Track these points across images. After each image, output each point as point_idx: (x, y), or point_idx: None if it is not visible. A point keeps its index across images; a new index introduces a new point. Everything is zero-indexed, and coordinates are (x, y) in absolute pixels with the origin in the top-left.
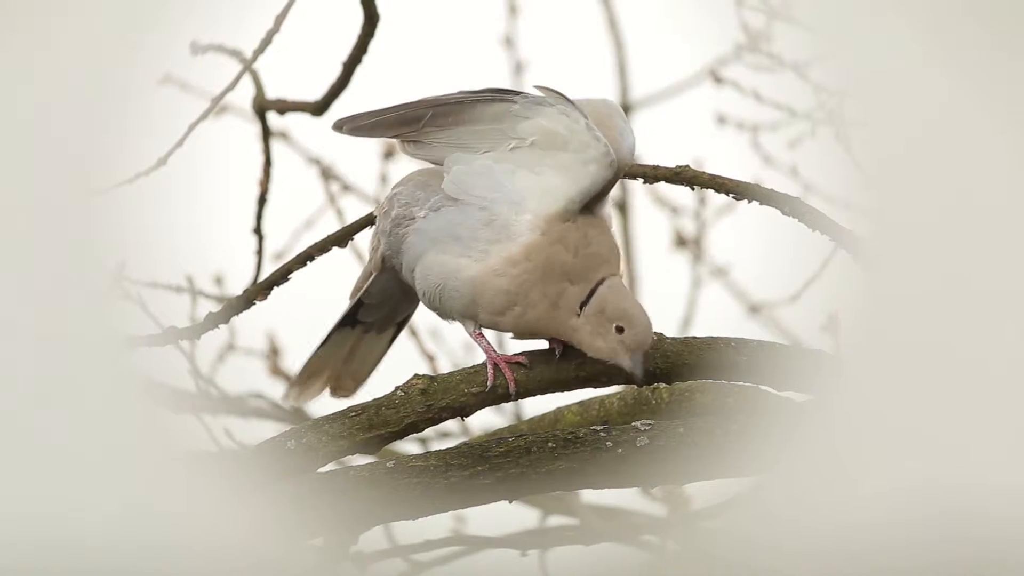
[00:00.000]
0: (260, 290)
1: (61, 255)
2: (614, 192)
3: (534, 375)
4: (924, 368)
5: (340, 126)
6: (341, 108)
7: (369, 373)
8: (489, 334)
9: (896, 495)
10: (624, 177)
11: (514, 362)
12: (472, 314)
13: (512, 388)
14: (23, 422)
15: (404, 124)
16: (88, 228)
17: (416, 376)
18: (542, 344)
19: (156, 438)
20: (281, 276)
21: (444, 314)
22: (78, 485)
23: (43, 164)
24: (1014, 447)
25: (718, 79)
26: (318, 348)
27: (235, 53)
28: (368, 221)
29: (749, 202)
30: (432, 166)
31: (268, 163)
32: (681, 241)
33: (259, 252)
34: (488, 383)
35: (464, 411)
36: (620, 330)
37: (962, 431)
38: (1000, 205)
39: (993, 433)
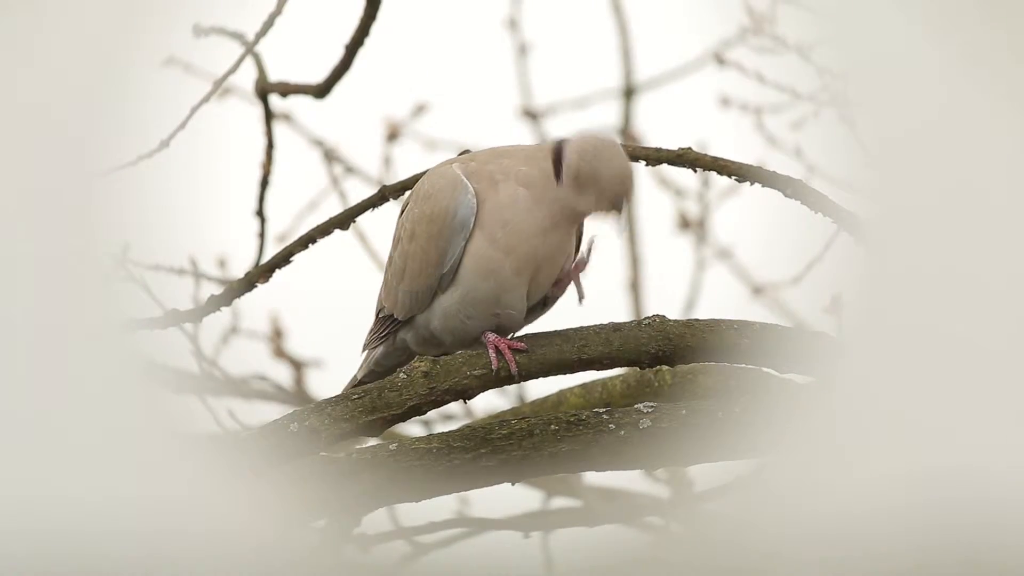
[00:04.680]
0: (262, 272)
1: (64, 237)
2: None
3: (537, 357)
4: (926, 351)
5: None
6: (343, 90)
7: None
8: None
9: (897, 479)
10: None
11: (515, 347)
12: (496, 304)
13: (514, 369)
14: (25, 405)
15: None
16: (91, 210)
17: (419, 358)
18: (543, 328)
19: (159, 420)
20: (283, 258)
21: (468, 335)
22: (80, 468)
23: (46, 147)
24: (1016, 431)
25: (722, 61)
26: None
27: (237, 36)
28: (371, 203)
29: (752, 184)
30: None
31: (270, 145)
32: (684, 223)
33: (261, 234)
34: (492, 366)
35: (467, 394)
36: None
37: (964, 414)
38: (1002, 187)
39: (995, 417)
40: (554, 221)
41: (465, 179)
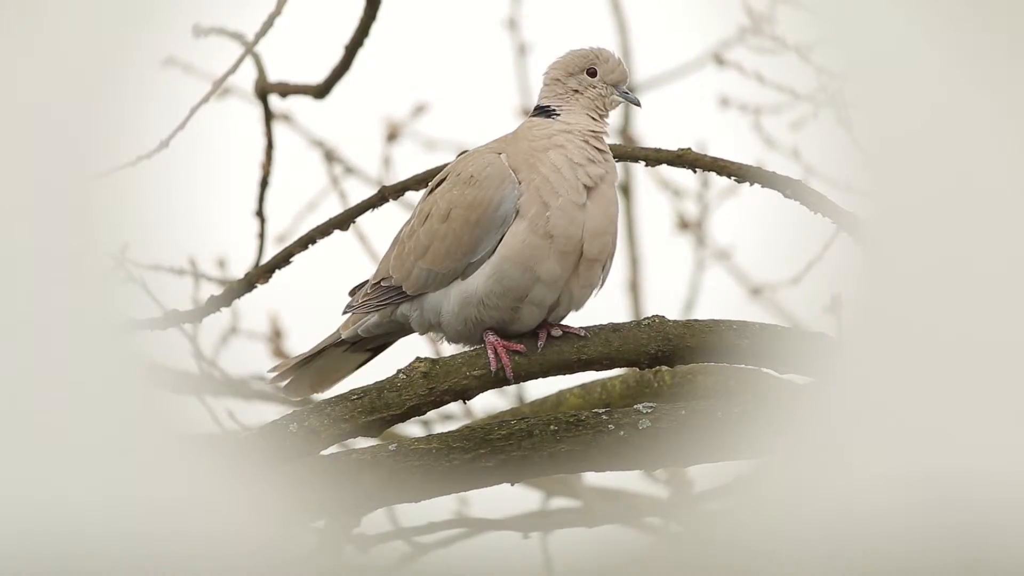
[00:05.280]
0: (262, 273)
1: (64, 237)
2: (619, 174)
3: (536, 358)
4: (926, 351)
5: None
6: (343, 91)
7: (328, 386)
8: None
9: (896, 479)
10: (626, 160)
11: (512, 349)
12: (523, 297)
13: (508, 374)
14: (25, 405)
15: None
16: (90, 211)
17: (418, 359)
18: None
19: (159, 421)
20: (283, 259)
21: (479, 325)
22: (80, 468)
23: (45, 147)
24: (1015, 432)
25: (721, 61)
26: (316, 354)
27: (237, 36)
28: (371, 203)
29: (751, 185)
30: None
31: (270, 146)
32: (683, 224)
33: (261, 235)
34: (491, 367)
35: (466, 394)
36: (593, 73)
37: (963, 415)
38: (1000, 186)
39: (994, 418)
40: (591, 166)
41: (513, 172)
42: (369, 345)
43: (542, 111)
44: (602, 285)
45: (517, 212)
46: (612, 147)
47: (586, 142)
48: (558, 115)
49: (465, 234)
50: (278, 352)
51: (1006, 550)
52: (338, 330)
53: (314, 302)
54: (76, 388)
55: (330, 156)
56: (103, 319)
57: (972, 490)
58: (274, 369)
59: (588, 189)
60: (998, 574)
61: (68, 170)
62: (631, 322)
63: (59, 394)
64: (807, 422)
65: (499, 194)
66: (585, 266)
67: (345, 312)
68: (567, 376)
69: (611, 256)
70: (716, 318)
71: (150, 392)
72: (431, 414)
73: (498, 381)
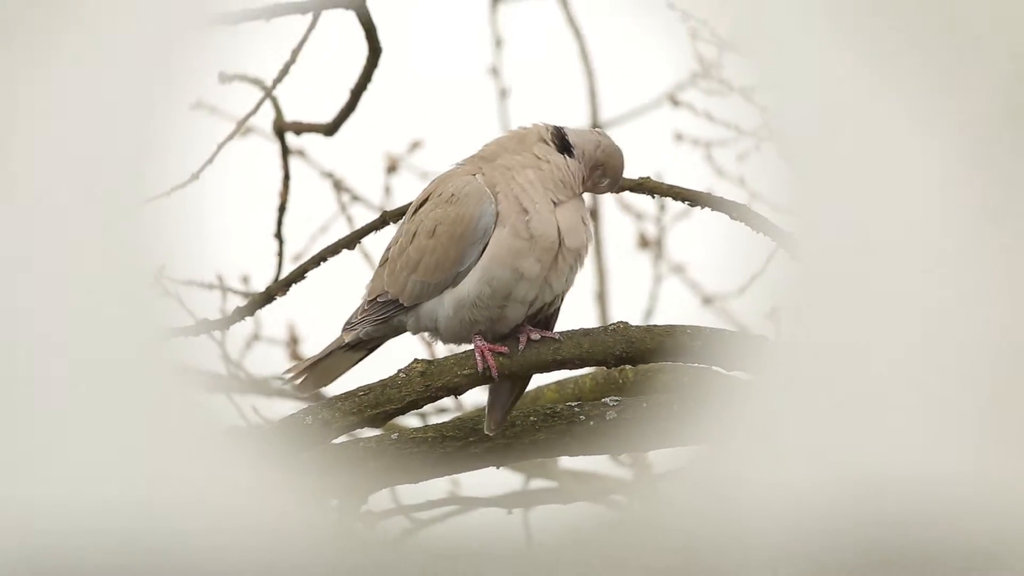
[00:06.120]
0: (280, 287)
1: (110, 257)
2: (587, 200)
3: (517, 358)
4: (853, 352)
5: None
6: (349, 129)
7: (332, 381)
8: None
9: (825, 466)
10: None
11: (497, 351)
12: (509, 295)
13: (494, 373)
14: (73, 403)
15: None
16: (133, 234)
17: (416, 360)
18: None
19: (192, 415)
20: (299, 275)
21: (473, 325)
22: (123, 459)
23: (93, 180)
24: (933, 433)
25: (676, 102)
26: (324, 357)
27: (257, 82)
28: (374, 227)
29: (703, 208)
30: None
31: (287, 177)
32: (644, 242)
33: (279, 254)
34: (478, 368)
35: (458, 390)
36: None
37: (885, 413)
38: (920, 209)
39: (914, 418)
40: (565, 194)
41: (488, 190)
42: (368, 345)
43: (564, 140)
44: (578, 271)
45: (496, 223)
46: None
47: (561, 180)
48: (572, 155)
49: (452, 247)
50: (295, 355)
51: (934, 543)
52: (341, 336)
53: (325, 311)
54: (121, 388)
55: (338, 186)
56: (144, 328)
57: (893, 486)
58: (289, 370)
59: (555, 204)
60: (928, 561)
61: (114, 199)
62: (599, 327)
63: (103, 393)
64: (749, 413)
65: (479, 210)
66: (563, 256)
67: (345, 329)
68: (544, 374)
69: (586, 248)
70: (672, 324)
71: (184, 391)
72: (427, 408)
73: (485, 379)
